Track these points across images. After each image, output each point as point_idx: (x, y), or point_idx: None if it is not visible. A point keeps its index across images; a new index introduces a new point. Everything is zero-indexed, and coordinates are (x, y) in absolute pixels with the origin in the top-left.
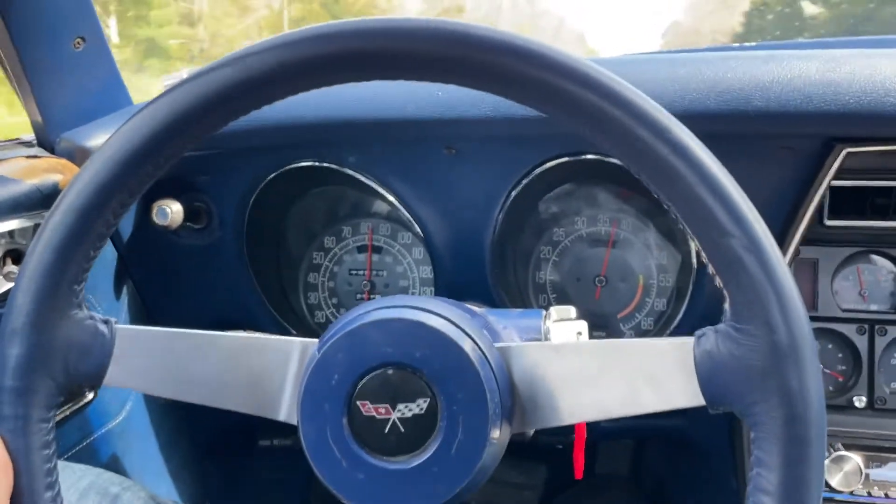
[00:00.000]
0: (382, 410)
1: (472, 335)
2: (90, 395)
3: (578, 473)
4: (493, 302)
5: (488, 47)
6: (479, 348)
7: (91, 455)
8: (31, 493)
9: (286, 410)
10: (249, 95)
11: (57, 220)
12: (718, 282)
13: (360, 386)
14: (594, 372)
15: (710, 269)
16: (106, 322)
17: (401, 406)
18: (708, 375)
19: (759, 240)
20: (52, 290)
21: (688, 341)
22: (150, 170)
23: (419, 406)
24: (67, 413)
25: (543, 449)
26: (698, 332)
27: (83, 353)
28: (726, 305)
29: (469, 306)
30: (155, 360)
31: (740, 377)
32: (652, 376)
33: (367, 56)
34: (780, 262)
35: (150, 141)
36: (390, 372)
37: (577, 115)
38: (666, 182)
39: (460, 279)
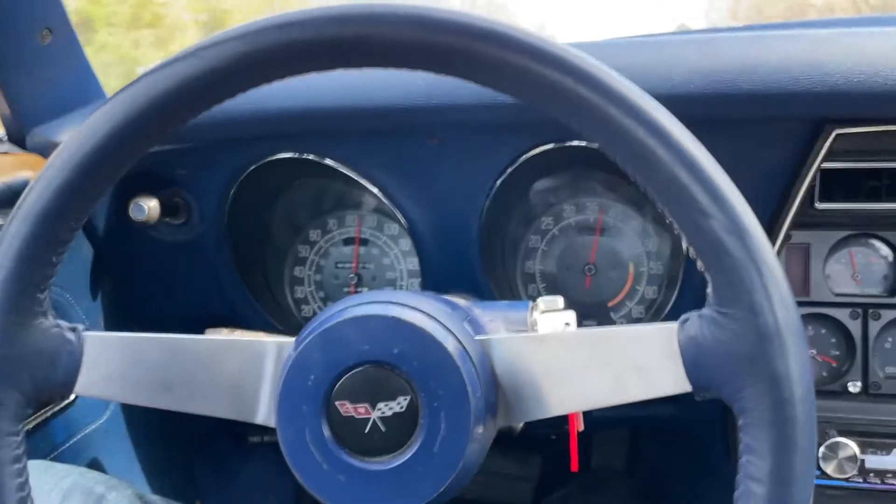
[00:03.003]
0: (362, 410)
1: (452, 329)
2: (72, 397)
3: (574, 466)
4: (481, 293)
5: (447, 30)
6: (460, 342)
7: (76, 456)
8: None
9: (264, 413)
10: (209, 90)
11: (15, 228)
12: (700, 265)
13: (338, 385)
14: (578, 361)
15: (692, 252)
16: (73, 329)
17: (380, 405)
18: (693, 361)
19: (740, 220)
20: (14, 299)
21: (672, 327)
22: (110, 171)
23: (399, 404)
24: (48, 414)
25: (537, 440)
26: (683, 317)
27: (50, 362)
28: (709, 289)
29: (454, 299)
30: (126, 366)
31: (726, 362)
32: (637, 364)
33: (331, 44)
34: (762, 242)
35: (107, 142)
36: (368, 370)
37: (548, 98)
38: (642, 163)
39: (448, 270)
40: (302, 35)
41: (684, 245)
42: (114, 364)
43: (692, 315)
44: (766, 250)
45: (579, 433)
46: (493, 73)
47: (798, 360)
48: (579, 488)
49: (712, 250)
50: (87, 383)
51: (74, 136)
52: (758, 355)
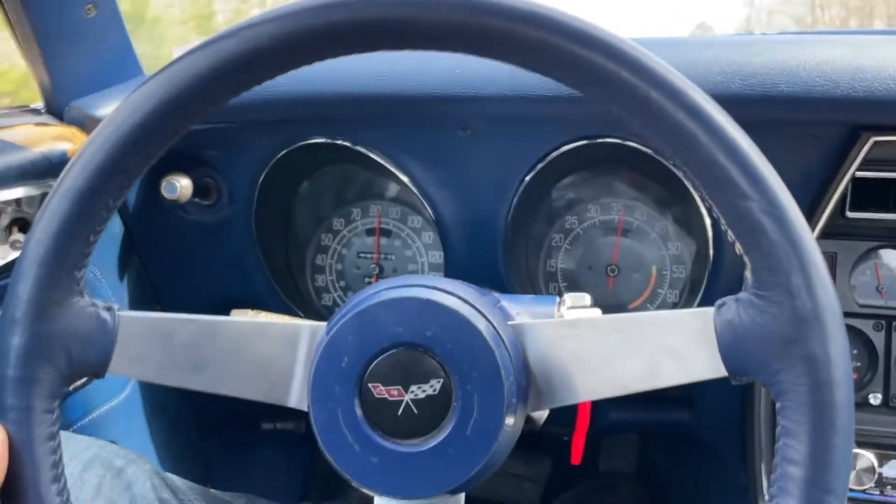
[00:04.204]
0: (395, 392)
1: (485, 313)
2: None
3: (576, 459)
4: (503, 289)
5: (497, 13)
6: (493, 326)
7: (93, 431)
8: (37, 485)
9: (296, 396)
10: (249, 70)
11: (55, 205)
12: (739, 248)
13: (371, 368)
14: (611, 347)
15: (730, 236)
16: (109, 309)
17: (413, 387)
18: (730, 345)
19: (780, 203)
20: (52, 277)
21: (708, 311)
22: (149, 150)
23: (432, 387)
24: (69, 389)
25: (547, 440)
26: (719, 302)
27: (86, 341)
28: (747, 273)
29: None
30: (159, 347)
31: (763, 346)
32: (671, 349)
33: (374, 26)
34: (802, 225)
35: (147, 121)
36: (402, 352)
37: (590, 81)
38: (681, 146)
39: (471, 265)
40: (344, 16)
41: (710, 250)
42: (147, 344)
43: (729, 299)
44: (805, 233)
45: (589, 436)
46: (535, 56)
47: (836, 342)
48: (587, 491)
49: (751, 233)
50: (121, 363)
51: (115, 114)
52: (796, 338)
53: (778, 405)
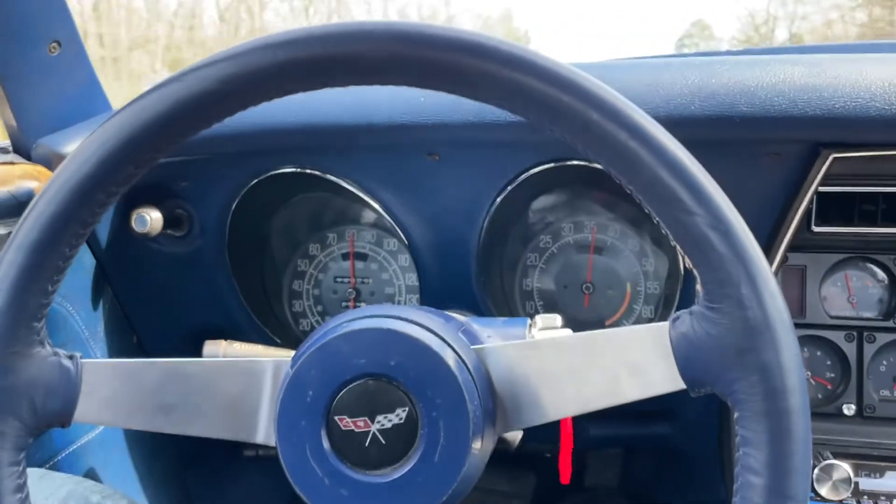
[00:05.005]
0: (361, 423)
1: (447, 339)
2: None
3: (565, 479)
4: (479, 310)
5: (430, 44)
6: (455, 352)
7: (71, 466)
8: None
9: (264, 432)
10: (199, 113)
11: (10, 257)
12: (688, 262)
13: (336, 400)
14: (572, 365)
15: (679, 251)
16: (71, 357)
17: (379, 417)
18: (686, 358)
19: (724, 217)
20: (11, 329)
21: (663, 325)
22: (102, 198)
23: (398, 416)
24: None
25: (531, 457)
26: (673, 316)
27: (49, 391)
28: (698, 286)
29: (451, 314)
30: (124, 392)
31: (717, 357)
32: (631, 364)
33: (320, 63)
34: (748, 237)
35: (97, 170)
36: (366, 383)
37: (531, 106)
38: (625, 165)
39: (446, 287)
40: (289, 55)
41: (682, 265)
42: (112, 390)
43: (682, 313)
44: (752, 245)
45: (572, 452)
46: (476, 85)
47: (788, 350)
48: None
49: (698, 247)
50: (87, 410)
51: (66, 164)
52: (748, 348)
53: (735, 415)
